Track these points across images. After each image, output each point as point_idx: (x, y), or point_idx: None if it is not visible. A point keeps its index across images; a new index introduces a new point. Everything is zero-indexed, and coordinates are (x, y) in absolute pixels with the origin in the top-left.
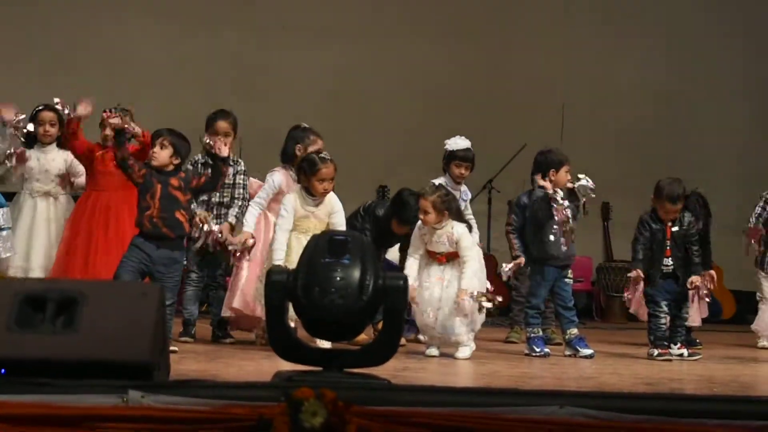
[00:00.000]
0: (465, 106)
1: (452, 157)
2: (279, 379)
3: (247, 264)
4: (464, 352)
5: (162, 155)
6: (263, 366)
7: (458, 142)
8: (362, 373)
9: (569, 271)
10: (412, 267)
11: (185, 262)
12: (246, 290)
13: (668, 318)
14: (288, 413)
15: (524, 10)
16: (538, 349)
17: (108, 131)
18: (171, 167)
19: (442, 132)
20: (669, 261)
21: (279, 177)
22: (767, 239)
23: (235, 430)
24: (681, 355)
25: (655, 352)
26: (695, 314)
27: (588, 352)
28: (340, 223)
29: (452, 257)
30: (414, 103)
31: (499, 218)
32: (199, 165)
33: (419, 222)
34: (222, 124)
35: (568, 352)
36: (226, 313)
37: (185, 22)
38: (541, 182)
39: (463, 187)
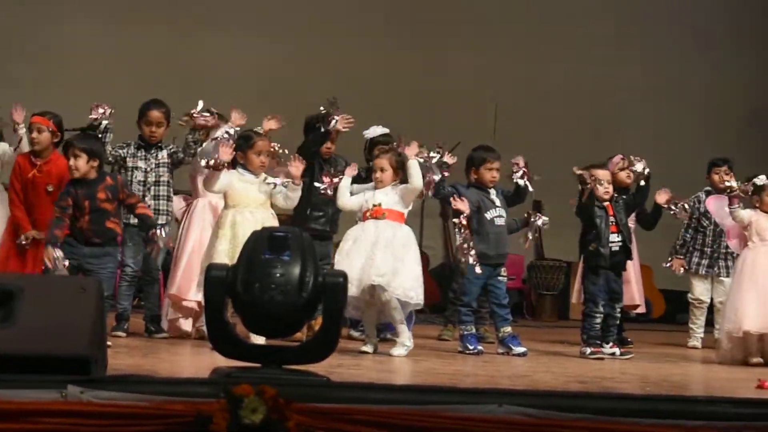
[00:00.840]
0: (398, 104)
1: (373, 144)
2: (218, 375)
3: (188, 253)
4: (400, 350)
5: (80, 165)
6: (197, 361)
7: (376, 130)
8: (301, 370)
9: (503, 269)
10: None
11: (119, 257)
12: (183, 278)
13: (602, 318)
14: (228, 410)
15: (459, 10)
16: (471, 347)
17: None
18: (93, 173)
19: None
20: (617, 237)
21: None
22: (694, 240)
23: (175, 426)
24: (613, 354)
25: (588, 350)
26: (638, 295)
27: (521, 350)
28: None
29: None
30: (347, 101)
31: (432, 216)
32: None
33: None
34: (155, 114)
35: (500, 350)
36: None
37: (116, 19)
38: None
39: None
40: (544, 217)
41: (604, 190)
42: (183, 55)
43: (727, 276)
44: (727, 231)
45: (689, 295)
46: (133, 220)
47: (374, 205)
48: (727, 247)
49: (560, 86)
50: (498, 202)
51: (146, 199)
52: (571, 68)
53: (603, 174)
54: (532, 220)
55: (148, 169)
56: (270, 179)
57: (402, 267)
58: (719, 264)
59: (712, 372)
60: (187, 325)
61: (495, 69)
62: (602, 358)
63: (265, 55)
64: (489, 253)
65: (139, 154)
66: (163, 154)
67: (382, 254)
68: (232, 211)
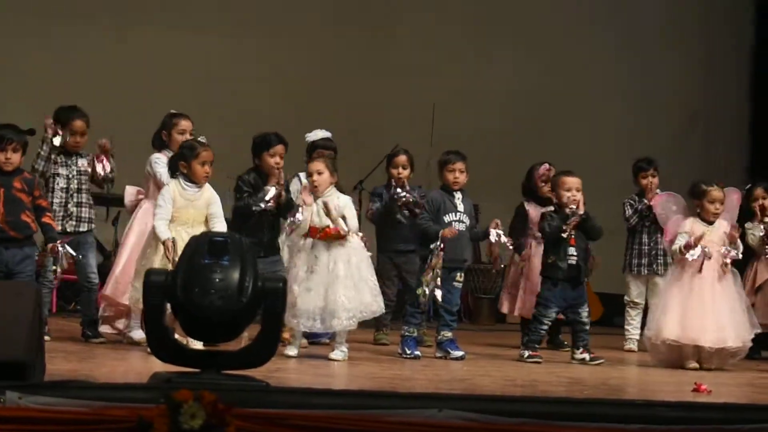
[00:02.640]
0: (336, 107)
1: (314, 147)
2: (157, 380)
3: (127, 254)
4: (338, 354)
5: (16, 158)
6: (135, 366)
7: (318, 133)
8: (241, 375)
9: (459, 275)
10: None
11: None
12: (119, 279)
13: (549, 325)
14: (167, 415)
15: (398, 11)
16: (409, 351)
17: None
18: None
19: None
20: (573, 251)
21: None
22: (632, 241)
23: (115, 431)
24: (583, 359)
25: (526, 353)
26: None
27: (459, 354)
28: (218, 213)
29: (330, 236)
30: (286, 103)
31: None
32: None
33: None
34: (80, 123)
35: (438, 354)
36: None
37: (55, 16)
38: None
39: None
40: (500, 231)
41: (572, 197)
42: (118, 54)
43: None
44: (666, 230)
45: (625, 297)
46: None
47: (322, 228)
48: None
49: (501, 88)
50: (461, 207)
51: (69, 206)
52: (512, 70)
53: (572, 181)
54: (490, 231)
55: (70, 176)
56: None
57: (363, 285)
58: (658, 262)
59: (649, 375)
60: (120, 324)
61: (434, 70)
62: (539, 362)
63: (205, 54)
64: (444, 256)
65: (59, 161)
66: (83, 162)
67: (344, 290)
68: (172, 226)
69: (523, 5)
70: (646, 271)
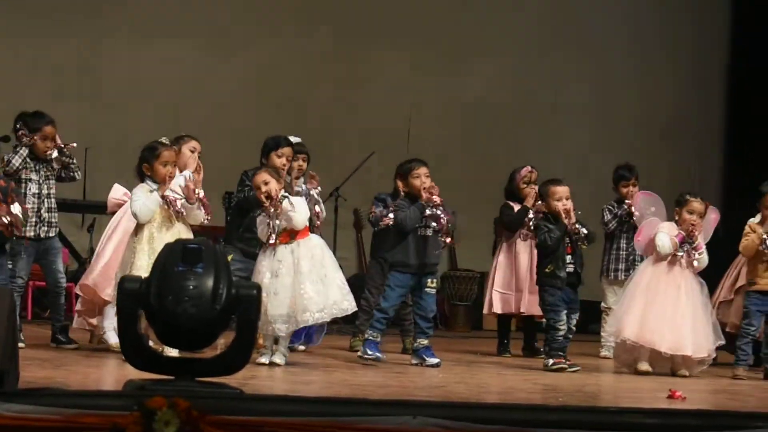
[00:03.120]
0: (313, 115)
1: None
2: (131, 387)
3: (113, 247)
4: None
5: None
6: (110, 373)
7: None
8: (215, 382)
9: (431, 281)
10: None
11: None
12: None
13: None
14: (141, 422)
15: (373, 22)
16: (369, 353)
17: None
18: None
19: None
20: (570, 258)
21: None
22: (610, 247)
23: None
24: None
25: (551, 361)
26: None
27: (434, 361)
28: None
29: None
30: (262, 110)
31: (345, 227)
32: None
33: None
34: (51, 129)
35: (414, 361)
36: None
37: (28, 27)
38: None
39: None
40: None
41: (563, 206)
42: (94, 63)
43: None
44: (639, 229)
45: (602, 304)
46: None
47: (280, 232)
48: None
49: (478, 98)
50: (428, 212)
51: (42, 211)
52: (485, 80)
53: (562, 190)
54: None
55: (41, 180)
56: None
57: (329, 281)
58: (635, 267)
59: (624, 382)
60: (94, 319)
61: (412, 79)
62: (564, 369)
63: (180, 61)
64: (409, 262)
65: (30, 166)
66: (50, 167)
67: (311, 285)
68: (148, 225)
69: (496, 18)
70: (623, 276)
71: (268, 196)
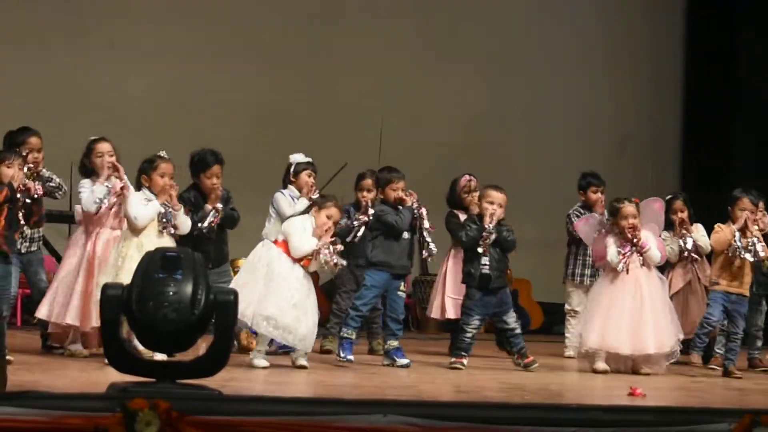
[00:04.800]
0: (289, 127)
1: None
2: (114, 390)
3: (82, 277)
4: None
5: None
6: (95, 377)
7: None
8: (194, 384)
9: (402, 284)
10: None
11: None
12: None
13: (474, 334)
14: (123, 423)
15: (348, 35)
16: (342, 354)
17: None
18: None
19: (267, 151)
20: (485, 260)
21: None
22: (576, 252)
23: None
24: (526, 365)
25: (452, 359)
26: None
27: (404, 362)
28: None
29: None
30: (240, 124)
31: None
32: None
33: None
34: (35, 140)
35: (386, 362)
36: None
37: (14, 42)
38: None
39: None
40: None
41: (491, 210)
42: (78, 79)
43: None
44: (593, 251)
45: (566, 306)
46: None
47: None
48: None
49: (445, 109)
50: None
51: (25, 229)
52: (457, 91)
53: (496, 195)
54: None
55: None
56: None
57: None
58: (599, 273)
59: (587, 380)
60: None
61: (382, 91)
62: (460, 369)
63: (163, 79)
64: (393, 262)
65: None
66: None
67: (312, 314)
68: (139, 235)
69: (469, 30)
70: (588, 282)
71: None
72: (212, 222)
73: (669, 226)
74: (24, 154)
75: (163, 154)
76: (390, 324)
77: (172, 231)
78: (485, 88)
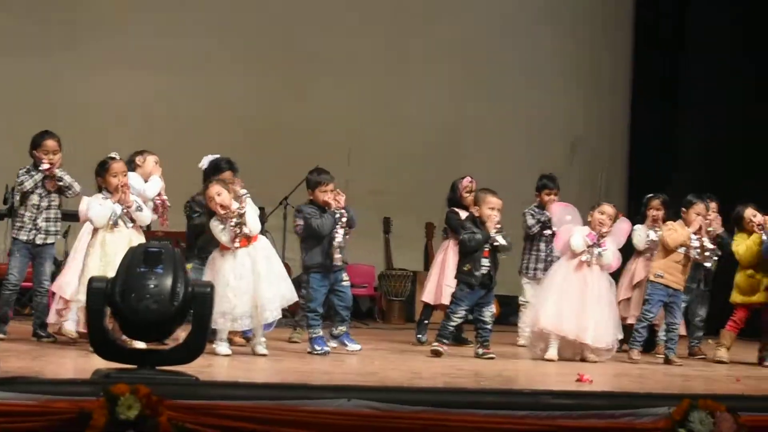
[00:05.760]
0: (266, 133)
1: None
2: (98, 376)
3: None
4: (263, 348)
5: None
6: (81, 364)
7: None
8: (173, 371)
9: (345, 275)
10: None
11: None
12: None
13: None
14: (106, 407)
15: (322, 49)
16: (319, 348)
17: None
18: None
19: (248, 155)
20: (486, 261)
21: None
22: (530, 247)
23: (59, 422)
24: (477, 354)
25: (435, 344)
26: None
27: (356, 347)
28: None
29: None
30: (220, 132)
31: (292, 231)
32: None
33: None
34: (51, 143)
35: (333, 344)
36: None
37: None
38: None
39: None
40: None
41: (494, 216)
42: (66, 91)
43: None
44: (557, 235)
45: (520, 298)
46: (21, 236)
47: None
48: None
49: (411, 119)
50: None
51: (38, 221)
52: (421, 103)
53: (495, 201)
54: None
55: (42, 194)
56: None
57: (278, 278)
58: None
59: (539, 367)
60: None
61: (352, 102)
62: (440, 354)
63: (151, 87)
64: (326, 263)
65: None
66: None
67: (268, 286)
68: (101, 231)
69: (436, 45)
70: (541, 275)
71: (223, 206)
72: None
73: (642, 220)
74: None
75: (114, 155)
76: (341, 311)
77: (130, 225)
78: (447, 95)
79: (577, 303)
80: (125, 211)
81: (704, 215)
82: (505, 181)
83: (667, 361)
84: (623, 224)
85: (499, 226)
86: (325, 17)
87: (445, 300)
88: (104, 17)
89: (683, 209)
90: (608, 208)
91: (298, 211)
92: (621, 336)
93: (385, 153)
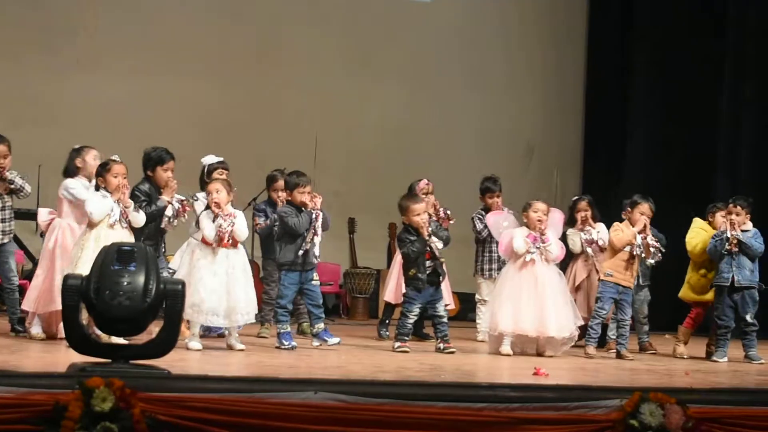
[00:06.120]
0: (235, 136)
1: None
2: (73, 369)
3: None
4: (239, 344)
5: None
6: (58, 358)
7: (212, 158)
8: (146, 364)
9: (314, 274)
10: None
11: None
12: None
13: (414, 320)
14: (81, 399)
15: (285, 52)
16: (286, 343)
17: None
18: None
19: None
20: (429, 262)
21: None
22: (483, 249)
23: (35, 413)
24: (439, 348)
25: (396, 344)
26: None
27: (335, 340)
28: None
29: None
30: (188, 133)
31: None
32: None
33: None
34: (3, 148)
35: (316, 343)
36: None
37: None
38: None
39: None
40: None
41: (423, 222)
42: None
43: None
44: (500, 242)
45: (476, 296)
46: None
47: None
48: None
49: (374, 122)
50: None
51: None
52: (384, 105)
53: (419, 207)
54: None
55: None
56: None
57: (250, 287)
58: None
59: (497, 362)
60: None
61: (317, 106)
62: (407, 352)
63: (119, 91)
64: (298, 261)
65: None
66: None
67: (242, 290)
68: (96, 228)
69: (392, 51)
70: (495, 274)
71: (218, 204)
72: (179, 210)
73: (572, 223)
74: None
75: (115, 157)
76: (313, 310)
77: (125, 225)
78: (407, 101)
79: (533, 300)
80: (122, 211)
81: (648, 215)
82: (460, 184)
83: (619, 355)
84: (556, 214)
85: (431, 227)
86: (290, 24)
87: None
88: (76, 21)
89: (628, 209)
90: (540, 205)
91: (257, 210)
92: (581, 322)
93: (348, 156)
